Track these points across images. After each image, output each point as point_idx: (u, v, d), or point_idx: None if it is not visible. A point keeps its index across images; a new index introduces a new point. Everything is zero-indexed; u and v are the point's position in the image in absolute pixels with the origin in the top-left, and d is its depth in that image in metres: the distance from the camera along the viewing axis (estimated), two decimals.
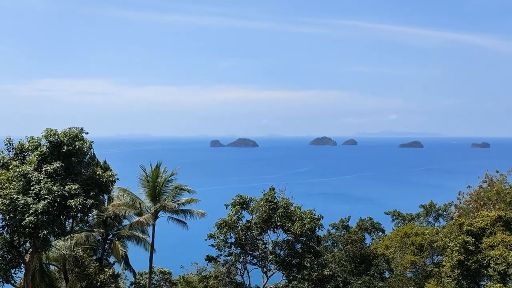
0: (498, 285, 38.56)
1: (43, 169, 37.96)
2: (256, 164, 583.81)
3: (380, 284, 49.59)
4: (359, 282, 51.60)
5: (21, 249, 40.96)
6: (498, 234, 41.38)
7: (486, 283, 40.80)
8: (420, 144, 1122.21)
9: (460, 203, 53.87)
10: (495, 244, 40.60)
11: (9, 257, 39.48)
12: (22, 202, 36.30)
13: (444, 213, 78.18)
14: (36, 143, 39.82)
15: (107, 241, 53.55)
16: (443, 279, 44.21)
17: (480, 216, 43.99)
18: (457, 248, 42.34)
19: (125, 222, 53.97)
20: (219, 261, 53.56)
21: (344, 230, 76.53)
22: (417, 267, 54.94)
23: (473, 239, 42.10)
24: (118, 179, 43.40)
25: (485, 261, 40.90)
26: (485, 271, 41.00)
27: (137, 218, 51.35)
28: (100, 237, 53.31)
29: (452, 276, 42.58)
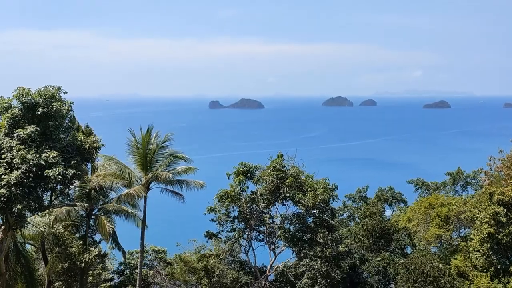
0: None
1: (15, 134, 37.57)
2: (261, 127, 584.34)
3: (401, 261, 49.57)
4: (378, 259, 51.72)
5: None
6: None
7: None
8: (447, 105, 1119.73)
9: (491, 169, 53.55)
10: None
11: None
12: None
13: (473, 181, 78.28)
14: (7, 104, 39.18)
15: (92, 217, 53.39)
16: (471, 254, 44.22)
17: None
18: (487, 219, 42.24)
19: (112, 195, 53.79)
20: (220, 238, 53.77)
21: (361, 201, 76.77)
22: (443, 241, 55.04)
23: (505, 210, 41.99)
24: (103, 145, 43.22)
25: None
26: None
27: (126, 190, 51.14)
28: (83, 212, 53.16)
29: (481, 250, 42.57)
